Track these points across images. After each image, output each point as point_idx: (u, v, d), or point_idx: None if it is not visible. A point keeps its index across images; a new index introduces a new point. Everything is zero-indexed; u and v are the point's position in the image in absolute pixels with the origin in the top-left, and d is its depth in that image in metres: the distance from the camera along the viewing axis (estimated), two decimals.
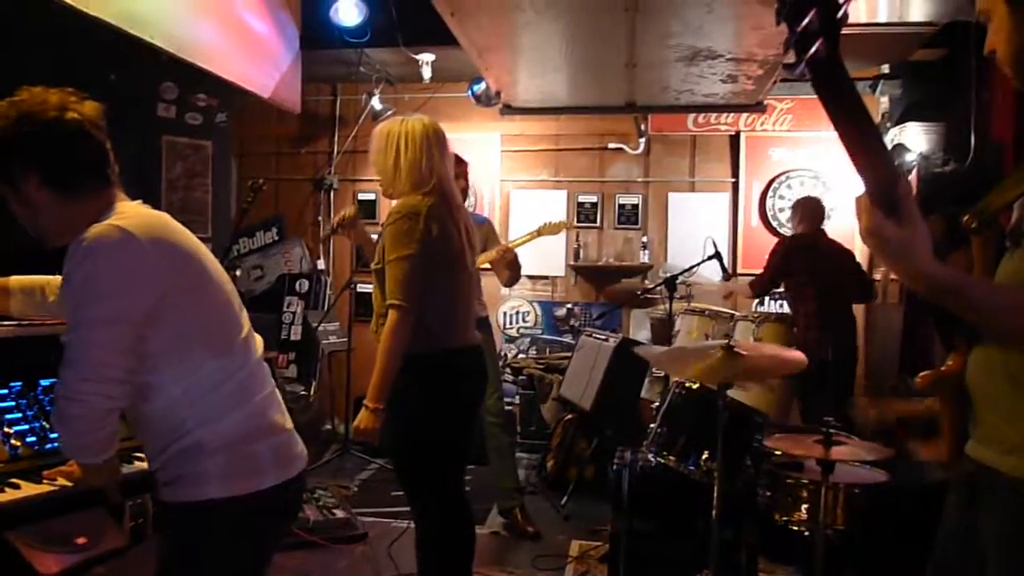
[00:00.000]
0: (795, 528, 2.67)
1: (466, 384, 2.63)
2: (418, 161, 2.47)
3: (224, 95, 4.82)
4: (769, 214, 5.92)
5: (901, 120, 5.22)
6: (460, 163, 4.49)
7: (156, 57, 3.77)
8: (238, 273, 3.03)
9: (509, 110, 4.85)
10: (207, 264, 1.63)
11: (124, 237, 1.45)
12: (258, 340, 1.76)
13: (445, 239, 2.47)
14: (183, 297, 1.54)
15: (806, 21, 0.96)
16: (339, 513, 4.03)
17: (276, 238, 6.68)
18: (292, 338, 6.29)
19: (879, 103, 5.64)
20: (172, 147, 4.67)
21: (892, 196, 1.07)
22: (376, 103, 6.06)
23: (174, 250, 1.55)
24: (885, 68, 5.40)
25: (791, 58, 1.01)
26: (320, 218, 6.67)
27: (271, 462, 1.63)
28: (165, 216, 1.63)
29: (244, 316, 1.72)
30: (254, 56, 4.62)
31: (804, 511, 2.66)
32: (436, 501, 2.59)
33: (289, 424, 1.74)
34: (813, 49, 0.97)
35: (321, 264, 6.61)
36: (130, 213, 1.56)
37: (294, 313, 6.36)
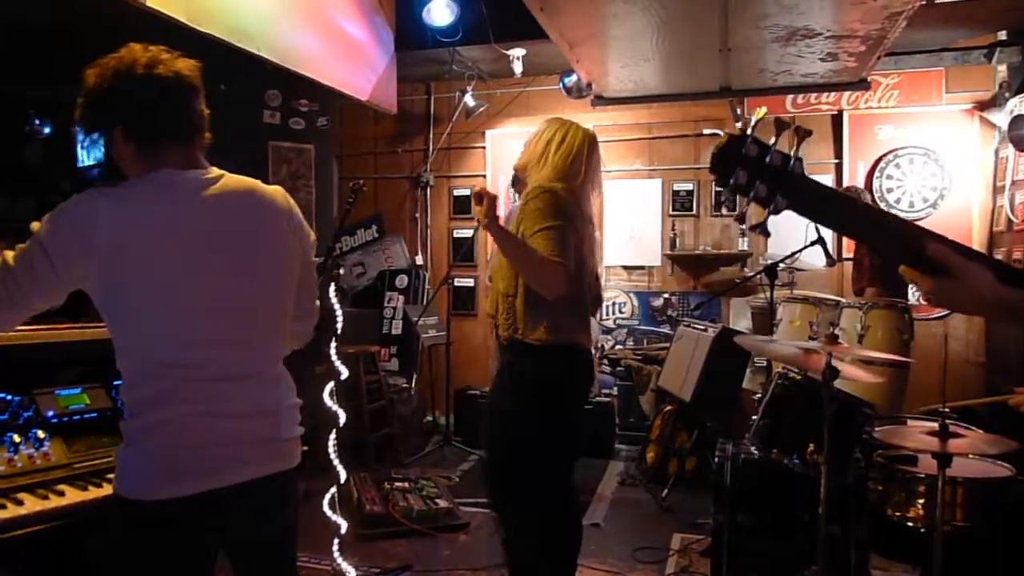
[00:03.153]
0: (910, 524, 2.56)
1: (574, 386, 2.61)
2: (568, 157, 2.56)
3: (324, 99, 5.00)
4: (876, 195, 5.65)
5: (1021, 89, 4.88)
6: None
7: (262, 67, 3.96)
8: (341, 271, 3.12)
9: (601, 101, 4.81)
10: (184, 251, 1.52)
11: (89, 198, 1.48)
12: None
13: (583, 230, 2.50)
14: (122, 268, 1.47)
15: (753, 193, 1.04)
16: (441, 503, 4.14)
17: (376, 235, 6.89)
18: (393, 332, 6.48)
19: (996, 72, 5.29)
20: (277, 151, 4.89)
21: (921, 256, 1.08)
22: (469, 100, 6.15)
23: (131, 224, 1.48)
24: (1002, 35, 5.06)
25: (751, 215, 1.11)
26: (417, 215, 6.82)
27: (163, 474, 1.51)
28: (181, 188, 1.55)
29: (245, 322, 1.60)
30: (352, 61, 4.78)
31: (920, 506, 2.54)
32: (538, 497, 2.56)
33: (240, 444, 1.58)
34: (772, 207, 1.05)
35: (419, 259, 6.78)
36: (151, 178, 1.54)
37: (394, 308, 6.55)
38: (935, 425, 2.29)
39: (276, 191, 1.72)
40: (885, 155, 5.65)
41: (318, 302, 1.89)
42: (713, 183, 1.13)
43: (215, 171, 1.64)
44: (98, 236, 1.45)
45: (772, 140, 1.03)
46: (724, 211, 6.06)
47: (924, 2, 3.25)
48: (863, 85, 4.48)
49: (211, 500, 1.53)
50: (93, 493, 1.99)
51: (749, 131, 1.03)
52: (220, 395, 1.55)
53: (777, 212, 1.05)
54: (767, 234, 1.09)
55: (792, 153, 1.04)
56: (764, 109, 1.09)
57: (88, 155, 4.59)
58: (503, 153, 6.36)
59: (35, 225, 1.50)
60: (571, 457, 2.67)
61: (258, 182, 1.70)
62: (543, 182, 2.50)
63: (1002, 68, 5.22)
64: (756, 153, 1.02)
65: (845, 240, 5.68)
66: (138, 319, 1.51)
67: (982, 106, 5.42)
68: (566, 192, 2.48)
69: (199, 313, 1.54)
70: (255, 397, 1.61)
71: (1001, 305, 1.08)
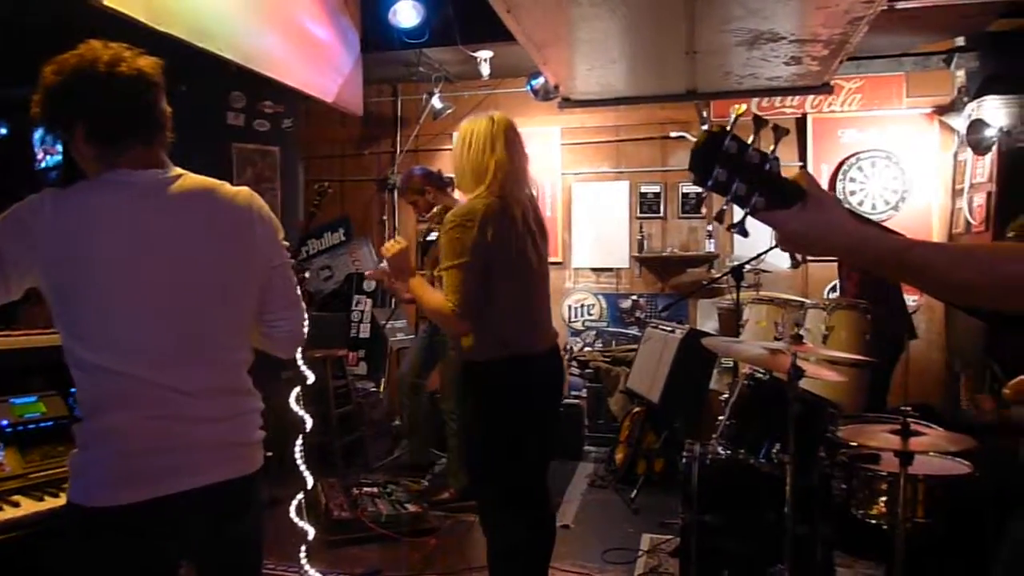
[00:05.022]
0: (873, 521, 2.60)
1: (537, 391, 2.55)
2: (479, 158, 2.49)
3: (289, 101, 4.95)
4: (840, 198, 5.73)
5: (979, 94, 5.00)
6: (428, 181, 4.53)
7: (225, 68, 3.90)
8: (307, 275, 3.09)
9: (568, 103, 4.83)
10: (132, 257, 1.49)
11: (38, 200, 1.47)
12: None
13: (503, 242, 2.41)
14: (68, 270, 1.46)
15: (732, 192, 1.01)
16: (411, 507, 4.11)
17: (343, 239, 6.83)
18: (361, 336, 6.43)
19: (954, 77, 5.41)
20: (242, 154, 4.82)
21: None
22: (436, 102, 6.13)
23: (79, 221, 1.46)
24: (960, 40, 5.18)
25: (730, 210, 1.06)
26: (385, 217, 6.78)
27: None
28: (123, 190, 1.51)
29: (187, 331, 1.55)
30: (317, 62, 4.73)
31: (882, 504, 2.58)
32: (505, 505, 2.54)
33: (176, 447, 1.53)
34: (751, 205, 1.02)
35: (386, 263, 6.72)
36: (100, 179, 1.52)
37: (362, 312, 6.49)
38: (897, 424, 2.33)
39: (240, 191, 1.68)
40: (848, 158, 5.74)
41: (302, 303, 1.84)
42: (692, 181, 1.10)
43: (176, 170, 1.60)
44: (43, 237, 1.44)
45: (751, 138, 1.01)
46: (691, 213, 6.12)
47: (885, 7, 3.31)
48: (826, 89, 4.56)
49: (167, 506, 1.49)
50: (49, 503, 1.95)
51: (728, 128, 1.00)
52: (170, 400, 1.51)
53: (755, 212, 1.03)
54: (745, 234, 1.07)
55: (770, 152, 1.01)
56: (744, 106, 1.07)
57: (46, 158, 4.49)
58: None
59: None
60: (530, 467, 2.59)
61: (220, 182, 1.66)
62: (465, 202, 2.51)
63: (960, 73, 5.34)
64: (736, 151, 1.00)
65: None
66: (83, 322, 1.48)
67: (941, 110, 5.54)
68: (482, 204, 2.41)
69: (146, 318, 1.50)
70: (210, 402, 1.57)
71: (860, 238, 1.05)
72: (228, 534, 1.65)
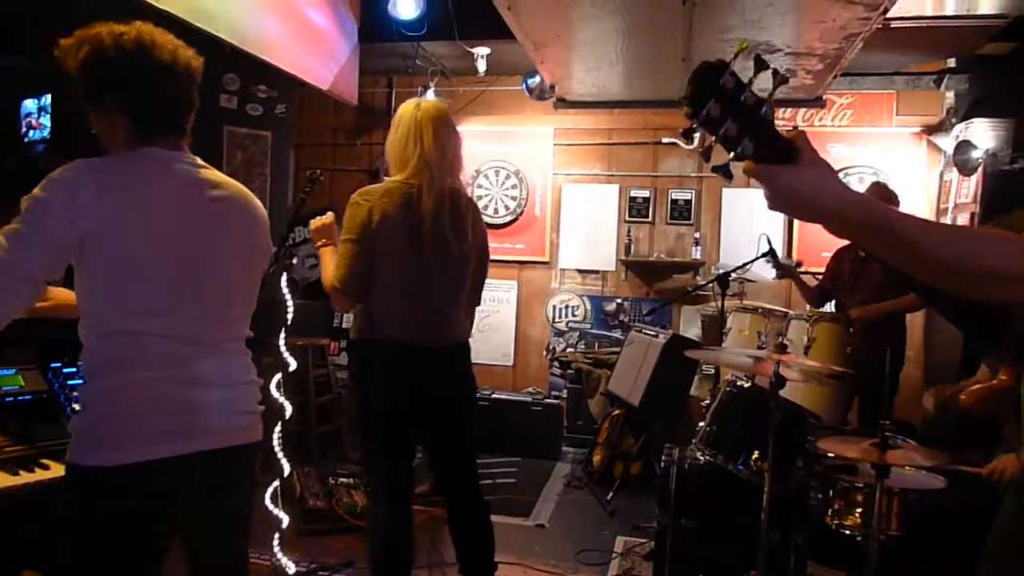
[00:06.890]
0: (847, 532, 2.62)
1: (417, 384, 2.49)
2: (399, 144, 2.49)
3: (284, 87, 4.91)
4: None
5: (968, 116, 5.05)
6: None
7: (220, 49, 3.86)
8: (294, 261, 3.09)
9: (563, 104, 4.84)
10: (168, 224, 1.55)
11: (75, 165, 1.48)
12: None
13: (391, 229, 2.40)
14: (107, 238, 1.47)
15: (722, 131, 0.96)
16: None
17: None
18: (344, 326, 6.39)
19: (944, 98, 5.47)
20: (233, 137, 4.78)
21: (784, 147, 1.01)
22: (431, 96, 6.10)
23: (119, 192, 1.49)
24: (951, 62, 5.24)
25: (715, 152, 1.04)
26: None
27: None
28: (150, 168, 1.56)
29: (209, 298, 1.62)
30: (314, 49, 4.70)
31: (857, 515, 2.60)
32: (378, 487, 2.62)
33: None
34: (739, 150, 0.98)
35: None
36: (122, 156, 1.57)
37: None
38: (875, 437, 2.35)
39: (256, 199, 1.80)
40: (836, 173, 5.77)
41: None
42: (685, 114, 1.05)
43: (196, 158, 1.68)
44: (82, 204, 1.44)
45: (749, 78, 0.96)
46: (680, 219, 6.15)
47: (881, 25, 3.34)
48: (818, 103, 4.60)
49: (166, 468, 1.51)
50: (24, 478, 1.93)
51: (729, 62, 0.96)
52: (182, 362, 1.55)
53: (741, 159, 0.98)
54: (729, 176, 1.02)
55: (766, 98, 0.97)
56: (747, 41, 1.03)
57: (30, 132, 4.44)
58: (464, 152, 6.33)
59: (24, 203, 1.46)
60: (411, 455, 2.65)
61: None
62: (388, 180, 2.52)
63: (950, 94, 5.40)
64: (733, 87, 0.95)
65: (796, 253, 5.81)
66: (115, 290, 1.50)
67: (930, 130, 5.60)
68: (382, 189, 2.44)
69: (178, 286, 1.56)
70: (218, 369, 1.62)
71: (851, 201, 1.03)
72: (221, 503, 1.67)
